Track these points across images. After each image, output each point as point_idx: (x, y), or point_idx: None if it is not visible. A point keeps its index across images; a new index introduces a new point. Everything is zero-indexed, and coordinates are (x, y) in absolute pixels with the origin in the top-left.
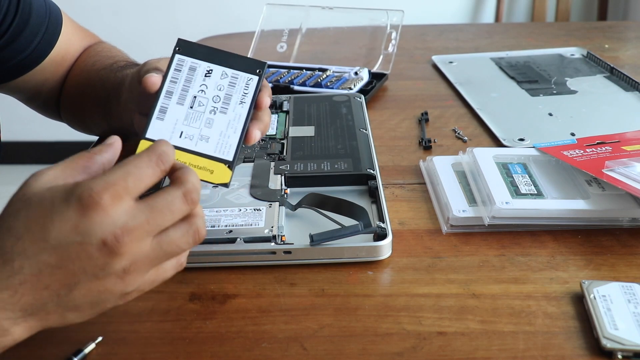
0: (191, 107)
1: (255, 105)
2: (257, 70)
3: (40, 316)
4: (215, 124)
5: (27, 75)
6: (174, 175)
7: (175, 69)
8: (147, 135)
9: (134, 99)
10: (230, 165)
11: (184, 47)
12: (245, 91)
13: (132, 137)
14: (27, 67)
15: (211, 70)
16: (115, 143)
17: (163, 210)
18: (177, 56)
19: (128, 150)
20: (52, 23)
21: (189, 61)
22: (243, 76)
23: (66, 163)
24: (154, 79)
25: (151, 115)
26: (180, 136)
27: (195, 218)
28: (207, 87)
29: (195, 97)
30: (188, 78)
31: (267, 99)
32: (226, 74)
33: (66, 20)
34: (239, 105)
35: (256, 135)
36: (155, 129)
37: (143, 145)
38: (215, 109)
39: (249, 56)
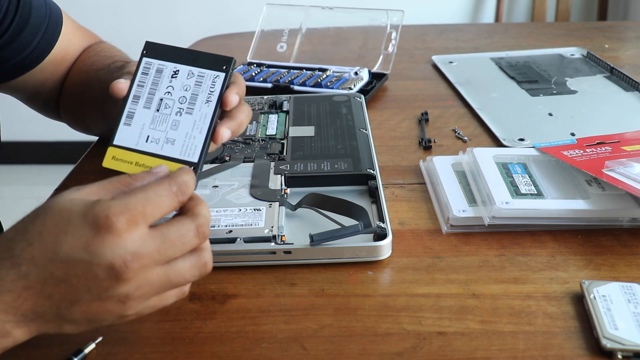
0: (157, 110)
1: (221, 104)
2: (224, 67)
3: (38, 323)
4: (181, 125)
5: (26, 75)
6: (187, 206)
7: (142, 73)
8: (115, 142)
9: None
10: (195, 167)
11: (152, 50)
12: (212, 89)
13: None
14: (26, 66)
15: (177, 70)
16: (160, 172)
17: (175, 242)
18: (144, 59)
19: None
20: (52, 23)
21: (155, 63)
22: (209, 74)
23: (104, 183)
24: (121, 85)
25: (118, 121)
26: (147, 140)
27: (204, 252)
28: (173, 89)
29: (162, 99)
30: (155, 81)
31: (233, 96)
32: (192, 73)
33: (66, 20)
34: (204, 105)
35: (224, 134)
36: (123, 135)
37: (111, 152)
38: (181, 110)
39: (223, 54)
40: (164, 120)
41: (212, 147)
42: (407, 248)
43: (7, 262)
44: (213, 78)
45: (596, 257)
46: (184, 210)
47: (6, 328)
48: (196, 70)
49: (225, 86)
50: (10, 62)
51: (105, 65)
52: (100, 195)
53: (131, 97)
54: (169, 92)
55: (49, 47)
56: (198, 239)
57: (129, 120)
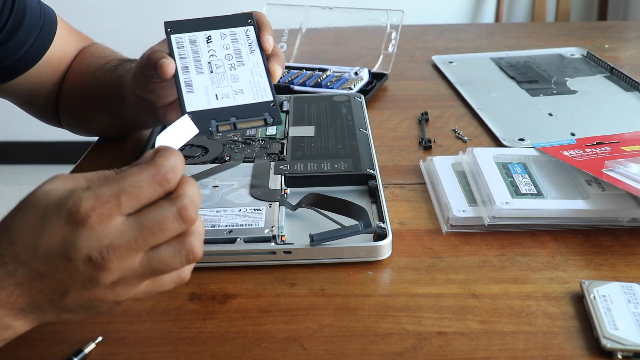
0: (211, 72)
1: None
2: (249, 21)
3: (37, 314)
4: (240, 76)
5: (22, 77)
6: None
7: (177, 47)
8: (188, 109)
9: (148, 95)
10: (274, 103)
11: (174, 27)
12: (249, 41)
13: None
14: (21, 68)
15: (209, 36)
16: (144, 158)
17: (153, 229)
18: (173, 36)
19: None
20: (47, 24)
21: (185, 36)
22: (239, 30)
23: (90, 173)
24: (169, 66)
25: (181, 92)
26: (217, 98)
27: (190, 237)
28: (215, 51)
29: (209, 62)
30: (194, 50)
31: (269, 39)
32: (224, 34)
33: (60, 23)
34: (251, 54)
35: (278, 71)
36: (192, 101)
37: (186, 120)
38: (233, 65)
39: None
40: (222, 78)
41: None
42: (407, 248)
43: None
44: (245, 32)
45: (596, 257)
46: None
47: (5, 321)
48: (226, 31)
49: (258, 36)
50: (5, 63)
51: (101, 65)
52: (79, 184)
53: (180, 69)
54: (213, 55)
55: (44, 48)
56: (180, 225)
57: (190, 88)
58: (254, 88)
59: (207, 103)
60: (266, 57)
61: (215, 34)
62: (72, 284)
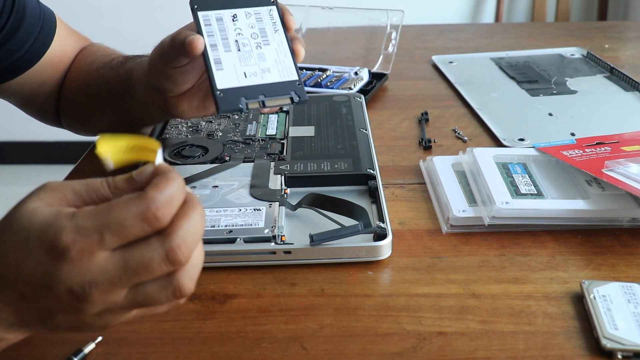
0: (239, 50)
1: (286, 29)
2: (272, 0)
3: (29, 328)
4: (267, 55)
5: (22, 77)
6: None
7: (205, 25)
8: (219, 87)
9: (163, 82)
10: (299, 82)
11: (200, 3)
12: (273, 20)
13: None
14: (21, 68)
15: (235, 14)
16: (139, 179)
17: (137, 270)
18: (200, 13)
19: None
20: (46, 25)
21: (211, 14)
22: (263, 10)
23: (81, 186)
24: (198, 42)
25: (210, 70)
26: (245, 76)
27: (179, 273)
28: (241, 30)
29: (236, 40)
30: (221, 28)
31: (292, 19)
32: (249, 13)
33: (60, 24)
34: (275, 34)
35: (302, 51)
36: (222, 79)
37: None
38: (259, 44)
39: None
40: (249, 56)
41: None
42: (407, 248)
43: None
44: (269, 12)
45: (596, 257)
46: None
47: None
48: (250, 10)
49: (281, 15)
50: (5, 63)
51: (106, 62)
52: (66, 202)
53: (209, 47)
54: (239, 34)
55: (44, 48)
56: (167, 267)
57: (219, 65)
58: (280, 67)
59: (237, 81)
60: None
61: (240, 12)
62: (57, 310)
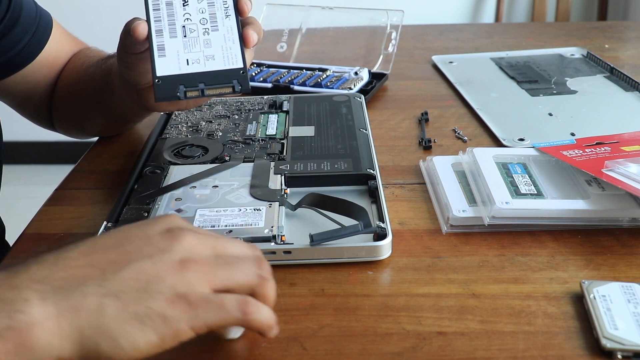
0: (185, 36)
1: (239, 13)
2: None
3: (74, 300)
4: (213, 42)
5: (18, 76)
6: None
7: (154, 9)
8: (157, 74)
9: (129, 73)
10: (243, 70)
11: None
12: (225, 5)
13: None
14: (16, 65)
15: None
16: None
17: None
18: None
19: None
20: (42, 25)
21: None
22: None
23: None
24: (140, 26)
25: (152, 56)
26: (188, 63)
27: (267, 283)
28: (190, 15)
29: (183, 26)
30: (169, 13)
31: (247, 3)
32: None
33: (56, 26)
34: (226, 19)
35: (253, 37)
36: (163, 66)
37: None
38: (207, 29)
39: None
40: (194, 42)
41: (248, 54)
42: (407, 248)
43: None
44: None
45: (596, 257)
46: None
47: (25, 295)
48: None
49: (235, 0)
50: (1, 59)
51: (94, 62)
52: None
53: (154, 32)
54: (187, 19)
55: (39, 47)
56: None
57: (162, 52)
58: (225, 54)
59: (178, 68)
60: (242, 23)
61: None
62: (137, 253)
